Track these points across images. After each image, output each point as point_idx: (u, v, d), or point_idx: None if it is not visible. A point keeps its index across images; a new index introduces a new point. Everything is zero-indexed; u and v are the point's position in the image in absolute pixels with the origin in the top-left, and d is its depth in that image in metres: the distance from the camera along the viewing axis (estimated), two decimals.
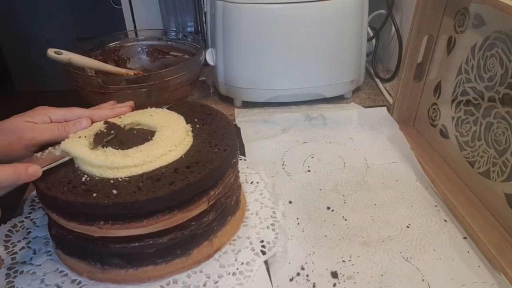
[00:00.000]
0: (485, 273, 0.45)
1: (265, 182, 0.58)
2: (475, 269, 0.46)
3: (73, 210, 0.40)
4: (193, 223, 0.44)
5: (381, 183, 0.59)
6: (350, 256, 0.48)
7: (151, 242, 0.42)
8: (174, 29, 0.95)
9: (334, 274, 0.46)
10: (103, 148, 0.45)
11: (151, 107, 0.53)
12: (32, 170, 0.40)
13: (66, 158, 0.44)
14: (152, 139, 0.46)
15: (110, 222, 0.40)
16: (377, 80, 0.89)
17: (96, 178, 0.42)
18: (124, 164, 0.42)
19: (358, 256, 0.48)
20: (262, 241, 0.48)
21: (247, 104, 0.81)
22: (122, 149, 0.45)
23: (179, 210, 0.41)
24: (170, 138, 0.46)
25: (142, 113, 0.52)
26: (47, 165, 0.42)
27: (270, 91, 0.77)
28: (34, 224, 0.52)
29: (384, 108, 0.73)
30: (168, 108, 0.54)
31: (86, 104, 0.71)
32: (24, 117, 0.46)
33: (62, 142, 0.45)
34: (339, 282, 0.45)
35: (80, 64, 0.68)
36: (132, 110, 0.53)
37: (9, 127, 0.45)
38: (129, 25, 0.98)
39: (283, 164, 0.64)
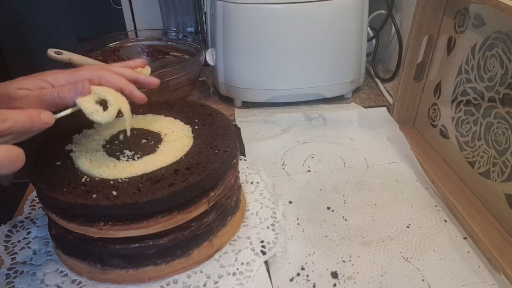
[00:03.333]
0: (485, 273, 0.45)
1: (265, 182, 0.58)
2: (475, 269, 0.46)
3: (73, 211, 0.40)
4: (193, 224, 0.44)
5: (381, 183, 0.59)
6: (350, 256, 0.48)
7: (151, 243, 0.42)
8: (174, 29, 0.95)
9: (334, 274, 0.46)
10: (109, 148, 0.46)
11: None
12: (45, 117, 0.37)
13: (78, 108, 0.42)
14: (152, 143, 0.47)
15: (110, 223, 0.40)
16: (377, 80, 0.89)
17: (96, 179, 0.42)
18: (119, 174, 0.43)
19: (358, 256, 0.48)
20: (262, 241, 0.48)
21: (247, 104, 0.81)
22: (125, 148, 0.46)
23: (179, 212, 0.41)
24: (172, 152, 0.46)
25: (143, 121, 0.52)
26: (59, 113, 0.40)
27: (270, 91, 0.77)
28: (34, 224, 0.52)
29: (384, 108, 0.73)
30: (168, 107, 0.54)
31: None
32: (20, 82, 0.42)
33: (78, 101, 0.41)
34: (339, 282, 0.45)
35: (80, 64, 0.68)
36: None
37: (1, 94, 0.41)
38: (129, 25, 0.98)
39: (283, 164, 0.64)
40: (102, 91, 0.42)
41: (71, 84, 0.42)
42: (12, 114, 0.35)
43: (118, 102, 0.43)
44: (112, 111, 0.42)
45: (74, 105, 0.41)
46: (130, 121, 0.45)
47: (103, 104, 0.42)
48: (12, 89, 0.41)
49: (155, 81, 0.49)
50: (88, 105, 0.41)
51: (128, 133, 0.47)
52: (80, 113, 0.41)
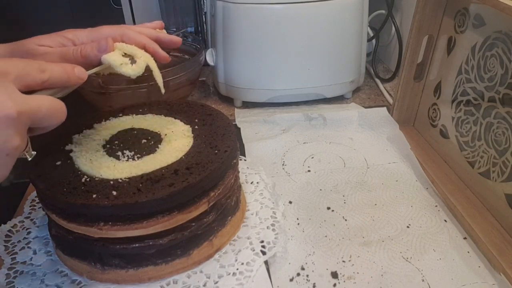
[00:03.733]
0: (485, 273, 0.45)
1: (265, 182, 0.58)
2: (475, 269, 0.46)
3: (73, 211, 0.40)
4: (193, 223, 0.44)
5: (381, 183, 0.59)
6: (350, 256, 0.48)
7: (151, 243, 0.42)
8: (174, 29, 0.95)
9: (334, 274, 0.46)
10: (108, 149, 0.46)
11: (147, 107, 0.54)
12: (79, 71, 0.36)
13: (107, 65, 0.41)
14: (152, 143, 0.47)
15: (110, 223, 0.40)
16: (377, 80, 0.89)
17: (96, 179, 0.42)
18: (117, 173, 0.43)
19: (358, 256, 0.48)
20: (262, 241, 0.48)
21: (247, 104, 0.81)
22: (125, 148, 0.46)
23: (179, 212, 0.41)
24: (172, 152, 0.46)
25: (143, 121, 0.52)
26: (91, 70, 0.39)
27: (270, 91, 0.77)
28: (34, 224, 0.52)
29: (384, 108, 0.73)
30: (168, 107, 0.54)
31: (86, 104, 0.71)
32: (40, 39, 0.41)
33: (104, 56, 0.41)
34: (339, 282, 0.45)
35: None
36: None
37: (20, 51, 0.40)
38: None
39: (283, 164, 0.64)
40: (126, 47, 0.42)
41: (94, 41, 0.41)
42: (49, 65, 0.34)
43: (144, 56, 0.42)
44: (141, 64, 0.41)
45: (98, 63, 0.40)
46: (160, 77, 0.44)
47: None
48: (31, 45, 0.40)
49: (177, 39, 0.47)
50: (115, 58, 0.40)
51: (163, 91, 0.45)
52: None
